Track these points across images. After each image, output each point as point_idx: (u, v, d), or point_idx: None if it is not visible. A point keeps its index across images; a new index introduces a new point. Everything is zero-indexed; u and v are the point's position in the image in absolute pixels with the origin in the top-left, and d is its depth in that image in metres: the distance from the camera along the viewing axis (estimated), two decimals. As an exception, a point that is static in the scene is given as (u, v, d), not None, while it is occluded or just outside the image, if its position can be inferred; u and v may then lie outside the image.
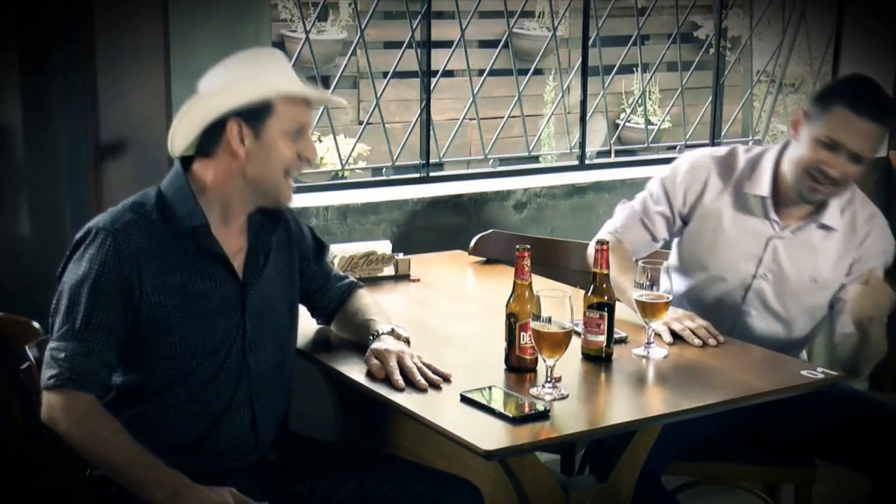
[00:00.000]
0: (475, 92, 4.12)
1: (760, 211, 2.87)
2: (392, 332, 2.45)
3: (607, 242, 2.49)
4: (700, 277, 2.94)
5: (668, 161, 3.24)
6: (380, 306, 2.61)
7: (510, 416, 2.16)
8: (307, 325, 2.64)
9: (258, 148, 2.26)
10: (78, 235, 2.25)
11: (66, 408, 2.15)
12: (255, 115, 2.24)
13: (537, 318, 2.27)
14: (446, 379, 2.34)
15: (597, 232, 3.01)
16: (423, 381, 2.31)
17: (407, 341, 2.45)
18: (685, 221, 2.96)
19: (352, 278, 2.69)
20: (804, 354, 3.04)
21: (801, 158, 2.76)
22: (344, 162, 3.87)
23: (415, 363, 2.35)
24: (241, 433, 2.32)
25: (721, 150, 2.98)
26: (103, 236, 2.21)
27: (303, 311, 2.62)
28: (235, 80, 2.27)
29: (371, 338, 2.45)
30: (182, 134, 2.28)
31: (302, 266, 2.52)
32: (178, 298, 2.24)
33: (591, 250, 2.90)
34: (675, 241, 3.02)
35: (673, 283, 2.62)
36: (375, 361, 2.36)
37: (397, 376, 2.31)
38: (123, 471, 2.13)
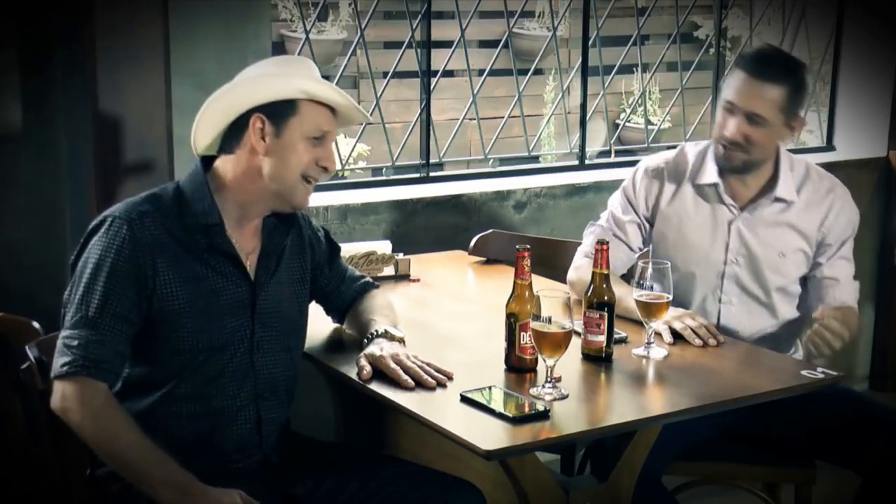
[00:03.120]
0: (475, 92, 4.12)
1: (715, 197, 2.93)
2: (385, 334, 2.44)
3: (607, 242, 2.49)
4: (674, 278, 2.94)
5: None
6: (390, 308, 2.61)
7: (510, 416, 2.16)
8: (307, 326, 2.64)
9: (277, 146, 2.27)
10: (93, 223, 2.25)
11: (79, 397, 2.13)
12: (278, 112, 2.26)
13: (537, 318, 2.27)
14: (449, 377, 2.34)
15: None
16: (431, 380, 2.31)
17: (401, 341, 2.44)
18: (651, 226, 3.01)
19: (368, 279, 2.69)
20: (799, 348, 3.04)
21: (714, 129, 2.87)
22: (344, 162, 3.88)
23: (415, 363, 2.35)
24: (246, 434, 2.32)
25: (672, 152, 3.04)
26: (119, 224, 2.21)
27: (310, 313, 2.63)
28: (264, 76, 2.29)
29: (365, 340, 2.44)
30: (205, 128, 2.30)
31: (315, 272, 2.52)
32: (190, 293, 2.24)
33: (571, 275, 2.96)
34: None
35: None
36: (365, 364, 2.36)
37: (405, 377, 2.31)
38: (133, 466, 2.11)
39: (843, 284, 2.90)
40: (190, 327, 2.24)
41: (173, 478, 2.10)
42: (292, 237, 2.43)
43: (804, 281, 2.96)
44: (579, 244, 3.21)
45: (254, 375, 2.32)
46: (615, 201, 3.05)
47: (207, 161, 2.33)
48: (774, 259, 2.91)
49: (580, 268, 2.95)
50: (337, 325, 2.65)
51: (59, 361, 2.15)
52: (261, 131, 2.26)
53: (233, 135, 2.29)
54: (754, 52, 2.92)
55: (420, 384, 2.30)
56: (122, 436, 2.12)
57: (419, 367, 2.34)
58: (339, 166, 3.87)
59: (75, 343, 2.15)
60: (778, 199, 2.90)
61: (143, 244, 2.20)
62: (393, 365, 2.33)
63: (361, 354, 2.40)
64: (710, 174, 2.91)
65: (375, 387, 2.32)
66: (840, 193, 2.94)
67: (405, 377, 2.31)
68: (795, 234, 2.91)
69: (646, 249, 3.04)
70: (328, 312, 2.65)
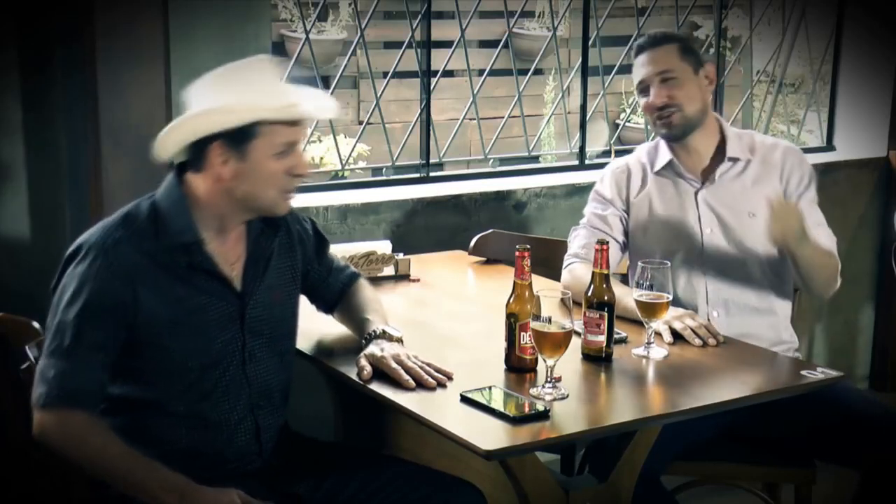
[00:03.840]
0: (475, 92, 4.12)
1: (675, 175, 3.03)
2: (384, 334, 2.43)
3: (607, 242, 2.49)
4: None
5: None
6: (378, 301, 2.60)
7: (510, 416, 2.16)
8: (307, 326, 2.63)
9: (244, 169, 2.20)
10: (69, 250, 2.22)
11: (57, 427, 2.13)
12: (238, 137, 2.19)
13: (537, 318, 2.27)
14: (449, 377, 2.34)
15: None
16: (431, 380, 2.30)
17: (400, 341, 2.44)
18: (628, 219, 3.08)
19: (352, 269, 2.68)
20: (796, 342, 3.04)
21: (645, 113, 3.04)
22: (344, 162, 3.88)
23: (415, 363, 2.35)
24: (245, 444, 2.31)
25: (632, 154, 3.18)
26: (94, 254, 2.17)
27: (303, 311, 2.63)
28: (221, 101, 2.20)
29: (364, 341, 2.44)
30: (166, 148, 2.23)
31: (307, 267, 2.51)
32: (175, 314, 2.21)
33: (565, 278, 2.99)
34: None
35: None
36: (366, 364, 2.35)
37: (406, 378, 2.30)
38: (126, 479, 2.11)
39: (815, 227, 2.90)
40: (178, 348, 2.22)
41: (169, 482, 2.10)
42: (281, 236, 2.41)
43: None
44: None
45: (248, 387, 2.31)
46: (591, 205, 3.13)
47: (181, 168, 2.27)
48: (746, 221, 2.97)
49: (572, 269, 2.99)
50: (337, 324, 2.64)
51: (36, 392, 2.15)
52: (222, 157, 2.20)
53: (197, 153, 2.22)
54: (640, 40, 3.08)
55: (420, 384, 2.30)
56: (107, 451, 2.11)
57: (420, 367, 2.33)
58: (339, 166, 3.88)
59: (51, 374, 2.14)
60: (731, 159, 2.99)
61: (120, 273, 2.16)
62: (394, 365, 2.33)
63: (361, 355, 2.39)
64: (664, 156, 3.04)
65: (375, 387, 2.32)
66: (790, 149, 3.05)
67: (406, 377, 2.30)
68: (761, 193, 2.96)
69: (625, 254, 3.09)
70: (313, 302, 2.62)
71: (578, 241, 3.05)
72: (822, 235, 2.93)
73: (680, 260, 2.98)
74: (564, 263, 3.04)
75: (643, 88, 2.98)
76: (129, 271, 2.17)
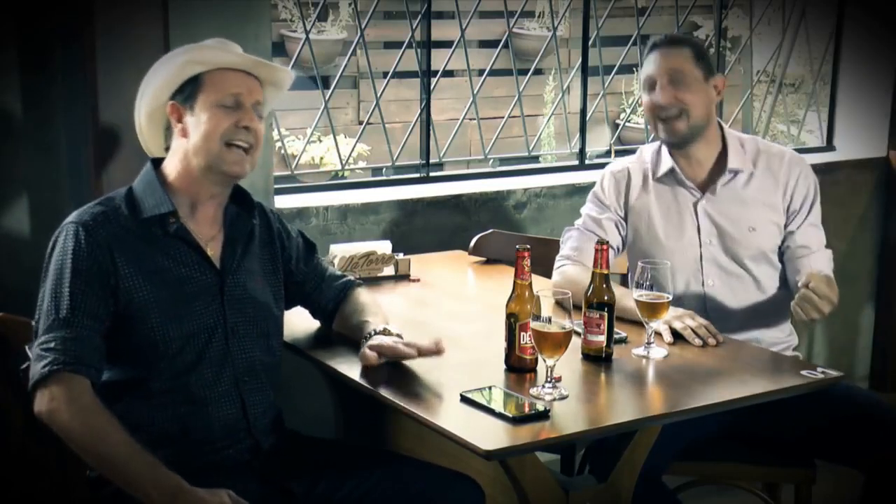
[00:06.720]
0: (475, 92, 4.12)
1: (675, 183, 3.01)
2: (384, 332, 2.44)
3: (607, 242, 2.49)
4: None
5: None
6: (377, 305, 2.61)
7: (510, 416, 2.16)
8: (307, 325, 2.64)
9: (194, 123, 2.33)
10: (52, 238, 2.30)
11: (66, 396, 2.13)
12: (185, 92, 2.34)
13: (537, 318, 2.27)
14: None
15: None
16: (432, 346, 2.35)
17: (399, 337, 2.44)
18: (626, 225, 3.07)
19: (350, 277, 2.70)
20: (795, 339, 3.05)
21: (645, 112, 2.99)
22: (344, 162, 3.88)
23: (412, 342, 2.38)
24: (232, 419, 2.33)
25: (633, 155, 3.15)
26: (73, 228, 2.26)
27: (302, 311, 2.63)
28: (165, 68, 2.36)
29: (364, 340, 2.44)
30: (147, 137, 2.41)
31: (290, 266, 2.54)
32: (153, 283, 2.27)
33: (555, 279, 2.98)
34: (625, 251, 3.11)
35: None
36: (370, 353, 2.36)
37: (406, 350, 2.34)
38: (122, 469, 2.11)
39: (816, 252, 2.94)
40: (157, 318, 2.27)
41: (162, 480, 2.10)
42: (261, 229, 2.48)
43: (781, 256, 2.99)
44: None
45: (231, 361, 2.34)
46: (588, 206, 3.11)
47: (156, 162, 2.42)
48: (746, 234, 2.96)
49: (563, 271, 2.98)
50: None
51: (37, 366, 2.16)
52: (177, 115, 2.35)
53: (168, 132, 2.40)
54: (655, 38, 3.03)
55: (423, 354, 2.35)
56: (111, 435, 2.12)
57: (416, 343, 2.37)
58: (339, 166, 3.88)
59: (52, 344, 2.17)
60: (732, 171, 2.96)
61: (98, 242, 2.25)
62: (391, 342, 2.36)
63: (365, 349, 2.39)
64: (665, 163, 3.01)
65: (375, 387, 2.32)
66: (795, 160, 3.02)
67: (406, 349, 2.34)
68: (763, 206, 2.96)
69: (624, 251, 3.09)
70: (314, 315, 2.65)
71: (571, 242, 3.05)
72: (822, 260, 2.93)
73: (678, 270, 2.94)
74: (556, 265, 3.03)
75: (650, 85, 2.93)
76: (108, 241, 2.26)
